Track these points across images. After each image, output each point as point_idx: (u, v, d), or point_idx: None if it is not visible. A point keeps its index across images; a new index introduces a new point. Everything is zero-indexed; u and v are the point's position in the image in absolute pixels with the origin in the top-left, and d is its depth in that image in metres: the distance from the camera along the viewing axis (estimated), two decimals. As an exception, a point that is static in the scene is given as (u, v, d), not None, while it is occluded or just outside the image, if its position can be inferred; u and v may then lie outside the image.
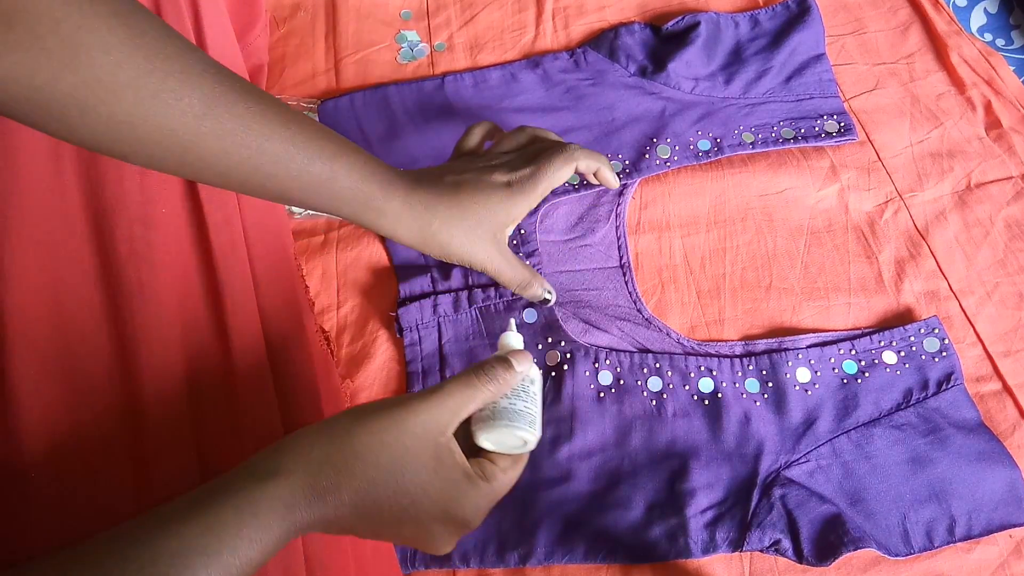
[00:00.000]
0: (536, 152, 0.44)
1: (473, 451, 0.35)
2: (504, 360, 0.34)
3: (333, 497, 0.29)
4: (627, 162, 0.56)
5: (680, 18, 0.61)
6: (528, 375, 0.35)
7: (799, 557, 0.42)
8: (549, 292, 0.47)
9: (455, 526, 0.32)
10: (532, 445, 0.35)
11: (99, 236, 0.36)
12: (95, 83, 0.28)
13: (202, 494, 0.28)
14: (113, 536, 0.27)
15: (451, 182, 0.42)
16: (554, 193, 0.53)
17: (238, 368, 0.38)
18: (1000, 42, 0.66)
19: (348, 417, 0.31)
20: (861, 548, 0.41)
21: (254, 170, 0.34)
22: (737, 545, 0.42)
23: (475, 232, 0.42)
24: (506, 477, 0.34)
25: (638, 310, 0.51)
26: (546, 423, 0.46)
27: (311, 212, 0.54)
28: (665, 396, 0.47)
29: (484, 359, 0.35)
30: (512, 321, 0.40)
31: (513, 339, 0.38)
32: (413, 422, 0.31)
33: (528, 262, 0.52)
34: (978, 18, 0.67)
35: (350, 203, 0.38)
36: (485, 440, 0.34)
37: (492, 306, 0.50)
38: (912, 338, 0.49)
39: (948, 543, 0.43)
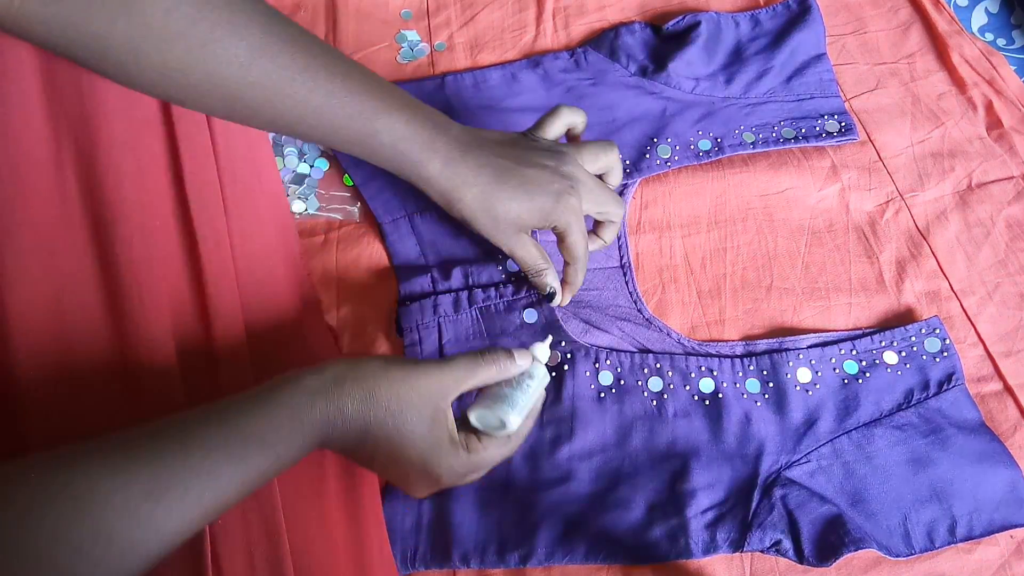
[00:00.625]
0: (605, 199, 0.46)
1: (470, 431, 0.38)
2: (508, 351, 0.38)
3: (352, 423, 0.33)
4: (627, 162, 0.55)
5: (681, 18, 0.61)
6: (529, 371, 0.39)
7: (800, 558, 0.42)
8: (556, 290, 0.47)
9: (429, 479, 0.36)
10: (510, 429, 0.37)
11: (98, 243, 0.36)
12: (147, 30, 0.30)
13: (260, 388, 0.33)
14: (183, 416, 0.31)
15: (502, 166, 0.42)
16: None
17: (224, 365, 0.39)
18: (1001, 41, 0.66)
19: (377, 362, 0.35)
20: (862, 549, 0.41)
21: (298, 120, 0.36)
22: (738, 545, 0.42)
23: (500, 220, 0.43)
24: (486, 455, 0.37)
25: (638, 310, 0.51)
26: (546, 423, 0.46)
27: (311, 212, 0.54)
28: (666, 396, 0.47)
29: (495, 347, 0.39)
30: (549, 337, 0.42)
31: (538, 346, 0.41)
32: (424, 382, 0.35)
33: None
34: (979, 18, 0.67)
35: (389, 160, 0.41)
36: (471, 414, 0.37)
37: (492, 306, 0.50)
38: (913, 338, 0.48)
39: (949, 543, 0.42)
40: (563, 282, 0.48)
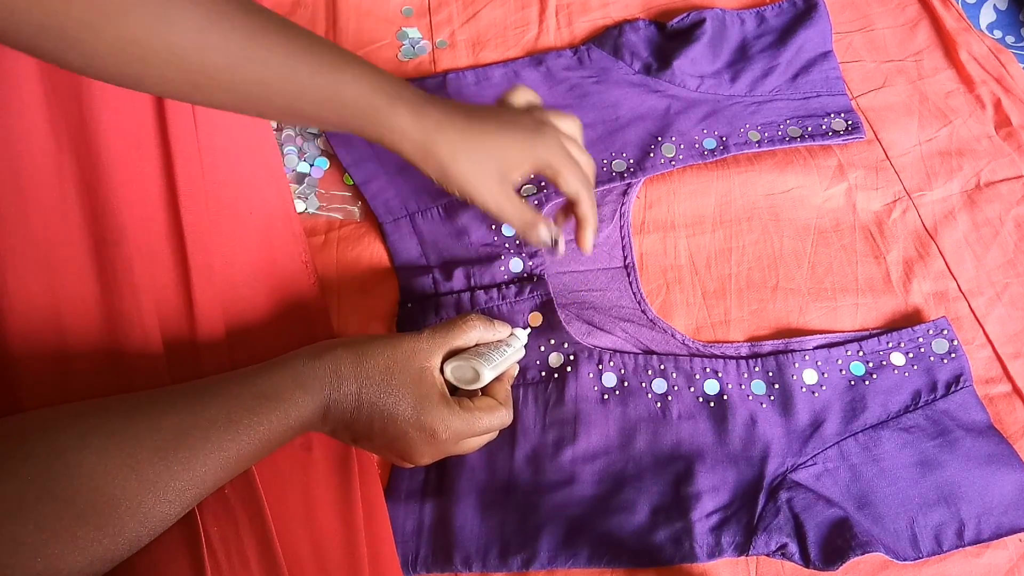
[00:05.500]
0: (579, 149, 0.45)
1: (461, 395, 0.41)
2: (487, 318, 0.41)
3: (346, 383, 0.36)
4: (631, 161, 0.55)
5: (685, 15, 0.60)
6: (507, 341, 0.42)
7: (806, 561, 0.41)
8: (556, 238, 0.44)
9: (428, 438, 0.37)
10: (482, 381, 0.40)
11: (99, 264, 0.37)
12: (103, 4, 0.30)
13: (266, 364, 0.36)
14: (188, 386, 0.33)
15: (471, 110, 0.41)
16: (557, 193, 0.53)
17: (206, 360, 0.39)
18: (1010, 39, 0.66)
19: (363, 335, 0.38)
20: (869, 552, 0.40)
21: (260, 84, 0.35)
22: (743, 549, 0.42)
23: (481, 164, 0.40)
24: (480, 415, 0.38)
25: (642, 311, 0.50)
26: (549, 425, 0.46)
27: (311, 212, 0.54)
28: (670, 398, 0.46)
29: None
30: (529, 328, 0.47)
31: (518, 329, 0.44)
32: (409, 344, 0.38)
33: (531, 263, 0.51)
34: (987, 15, 0.66)
35: (356, 116, 0.38)
36: (447, 367, 0.39)
37: (495, 308, 0.49)
38: (920, 339, 0.48)
39: (957, 547, 0.42)
40: (578, 224, 0.45)
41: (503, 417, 0.40)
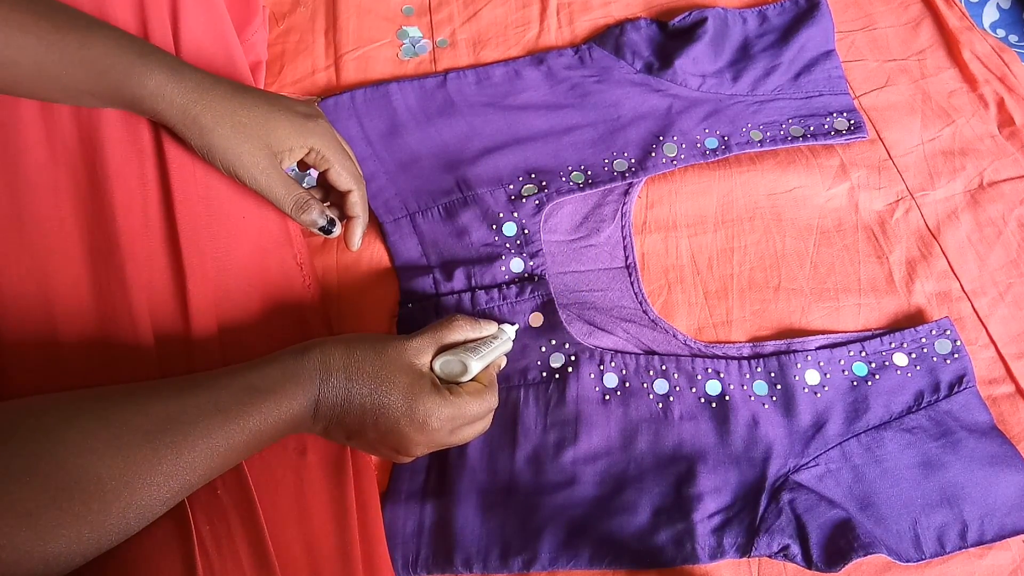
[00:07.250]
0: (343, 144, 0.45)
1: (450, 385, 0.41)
2: (472, 318, 0.42)
3: (336, 376, 0.36)
4: (633, 160, 0.55)
5: (687, 14, 0.60)
6: (494, 334, 0.43)
7: (808, 563, 0.41)
8: (331, 221, 0.43)
9: (418, 423, 0.37)
10: (470, 373, 0.40)
11: (93, 268, 0.37)
12: None
13: (255, 361, 0.35)
14: (181, 379, 0.33)
15: (237, 84, 0.40)
16: (558, 192, 0.53)
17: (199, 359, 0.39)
18: (1013, 38, 0.65)
19: (355, 335, 0.38)
20: (871, 554, 0.40)
21: (5, 44, 0.33)
22: (745, 551, 0.41)
23: (247, 133, 0.38)
24: (469, 399, 0.38)
25: (644, 311, 0.50)
26: (550, 426, 0.45)
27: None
28: (671, 399, 0.46)
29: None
30: (517, 324, 0.47)
31: (506, 324, 0.45)
32: (395, 343, 0.38)
33: (532, 263, 0.51)
34: (990, 14, 0.66)
35: (107, 73, 0.36)
36: (436, 362, 0.40)
37: (496, 308, 0.49)
38: (923, 340, 0.48)
39: (960, 548, 0.42)
40: (348, 220, 0.45)
41: (490, 401, 0.40)
